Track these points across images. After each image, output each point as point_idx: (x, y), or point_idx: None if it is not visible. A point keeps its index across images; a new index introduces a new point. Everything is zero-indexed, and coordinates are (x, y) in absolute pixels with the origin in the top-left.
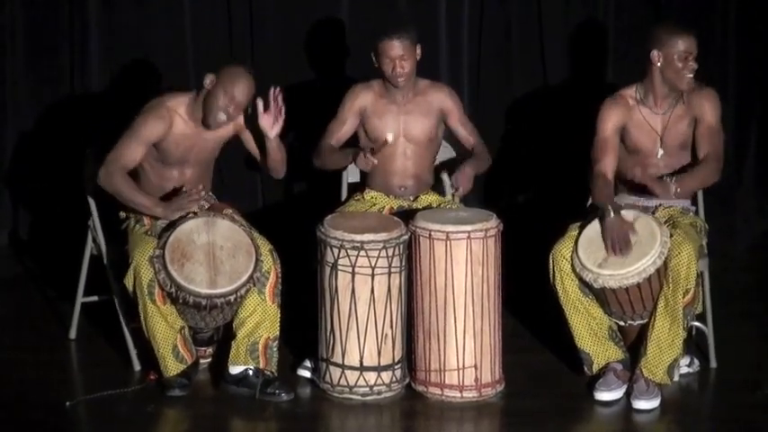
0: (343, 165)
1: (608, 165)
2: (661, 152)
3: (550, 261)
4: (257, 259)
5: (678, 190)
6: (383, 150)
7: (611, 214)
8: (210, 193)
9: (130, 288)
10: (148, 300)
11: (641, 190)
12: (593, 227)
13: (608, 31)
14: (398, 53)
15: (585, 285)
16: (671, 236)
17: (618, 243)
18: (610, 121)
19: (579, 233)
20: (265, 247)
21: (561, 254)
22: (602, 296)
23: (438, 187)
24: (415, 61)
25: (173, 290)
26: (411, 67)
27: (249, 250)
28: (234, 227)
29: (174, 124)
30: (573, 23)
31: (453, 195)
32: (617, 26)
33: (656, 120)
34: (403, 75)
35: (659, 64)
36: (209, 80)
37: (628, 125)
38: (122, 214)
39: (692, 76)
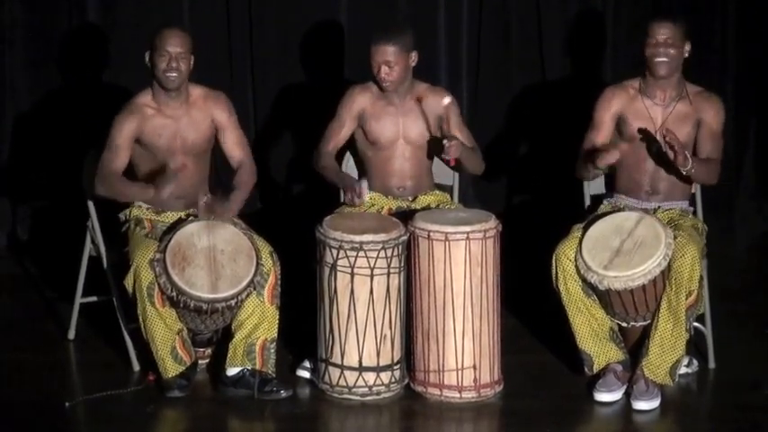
0: (332, 182)
1: (599, 143)
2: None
3: (553, 262)
4: (258, 263)
5: (693, 168)
6: (382, 151)
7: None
8: (209, 195)
9: (130, 290)
10: (148, 302)
11: (639, 187)
12: (597, 227)
13: (606, 27)
14: (384, 58)
15: (589, 286)
16: (674, 237)
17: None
18: (607, 106)
19: (583, 234)
20: (265, 249)
21: (565, 255)
22: (606, 297)
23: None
24: (405, 67)
25: (173, 294)
26: (399, 74)
27: (250, 254)
28: (234, 230)
29: (146, 116)
30: (572, 20)
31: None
32: (616, 22)
33: (656, 111)
34: (388, 81)
35: (645, 51)
36: (147, 57)
37: (626, 113)
38: (122, 216)
39: (663, 60)
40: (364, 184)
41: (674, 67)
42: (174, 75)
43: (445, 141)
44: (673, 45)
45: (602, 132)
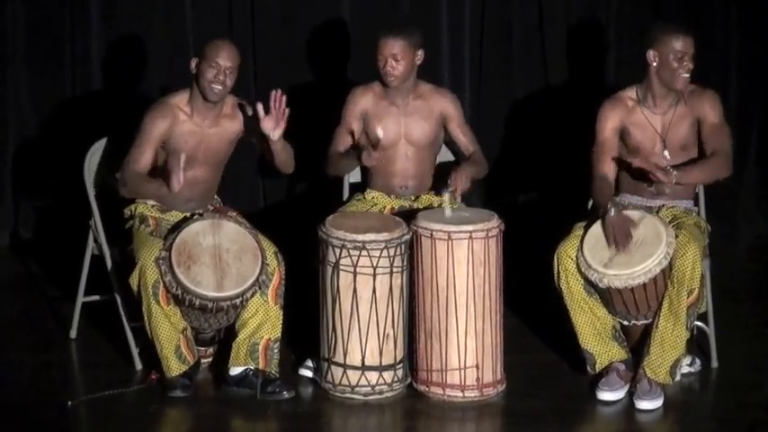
0: (353, 168)
1: (608, 166)
2: (666, 152)
3: (555, 261)
4: (263, 262)
5: (675, 174)
6: (384, 151)
7: (612, 212)
8: (216, 197)
9: (135, 288)
10: (153, 300)
11: (642, 178)
12: (599, 226)
13: (609, 31)
14: (391, 51)
15: (590, 285)
16: (676, 236)
17: (618, 238)
18: (608, 122)
19: (584, 233)
20: (270, 249)
21: (566, 253)
22: (606, 296)
23: (438, 186)
24: (411, 64)
25: (179, 292)
26: (404, 69)
27: (255, 253)
28: (240, 229)
29: (178, 120)
30: (574, 24)
31: (452, 194)
32: (618, 26)
33: (656, 120)
34: (393, 75)
35: (655, 64)
36: (193, 63)
37: (627, 125)
38: (127, 212)
39: (687, 75)
40: (380, 131)
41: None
42: (219, 87)
43: (446, 192)
44: (693, 59)
45: (607, 150)
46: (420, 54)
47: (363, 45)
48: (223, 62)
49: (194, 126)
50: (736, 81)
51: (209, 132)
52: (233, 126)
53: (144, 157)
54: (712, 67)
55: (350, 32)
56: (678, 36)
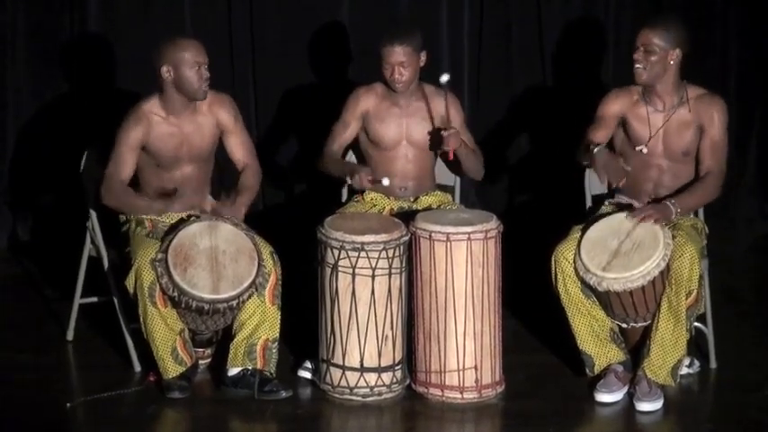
0: (338, 176)
1: (599, 138)
2: (644, 148)
3: (552, 263)
4: (260, 264)
5: (678, 211)
6: (386, 151)
7: (596, 150)
8: (210, 197)
9: (131, 290)
10: (149, 302)
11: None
12: (596, 229)
13: (608, 31)
14: (398, 59)
15: (588, 288)
16: (673, 237)
17: (611, 173)
18: (612, 104)
19: (582, 236)
20: (266, 249)
21: (563, 256)
22: (605, 299)
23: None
24: (416, 68)
25: (175, 294)
26: (411, 74)
27: (252, 255)
28: (236, 231)
29: (152, 124)
30: (573, 24)
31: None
32: (617, 26)
33: (656, 118)
34: (401, 81)
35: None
36: (165, 69)
37: (629, 117)
38: (122, 217)
39: (639, 67)
40: (385, 181)
41: (656, 75)
42: (206, 85)
43: (443, 132)
44: (653, 52)
45: (602, 129)
46: (423, 56)
47: (364, 46)
48: (202, 58)
49: (171, 127)
50: (735, 81)
51: (188, 132)
52: (209, 120)
53: (125, 165)
54: (712, 67)
55: (350, 33)
56: (641, 28)
